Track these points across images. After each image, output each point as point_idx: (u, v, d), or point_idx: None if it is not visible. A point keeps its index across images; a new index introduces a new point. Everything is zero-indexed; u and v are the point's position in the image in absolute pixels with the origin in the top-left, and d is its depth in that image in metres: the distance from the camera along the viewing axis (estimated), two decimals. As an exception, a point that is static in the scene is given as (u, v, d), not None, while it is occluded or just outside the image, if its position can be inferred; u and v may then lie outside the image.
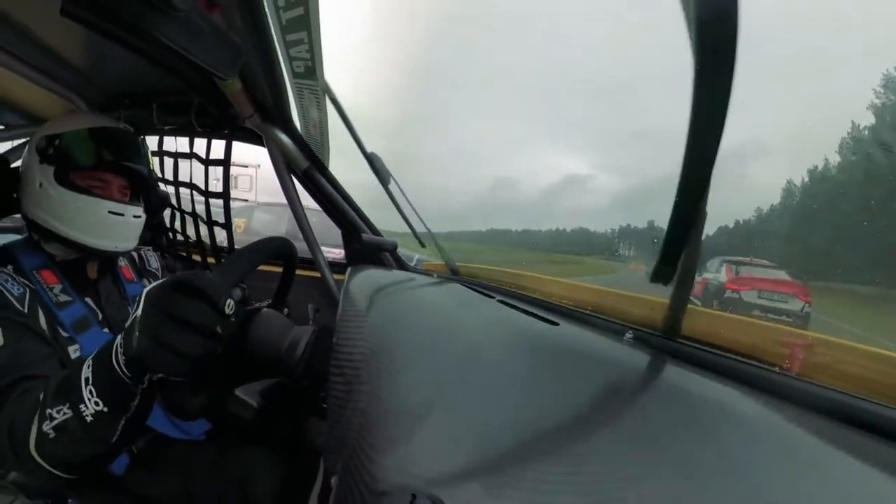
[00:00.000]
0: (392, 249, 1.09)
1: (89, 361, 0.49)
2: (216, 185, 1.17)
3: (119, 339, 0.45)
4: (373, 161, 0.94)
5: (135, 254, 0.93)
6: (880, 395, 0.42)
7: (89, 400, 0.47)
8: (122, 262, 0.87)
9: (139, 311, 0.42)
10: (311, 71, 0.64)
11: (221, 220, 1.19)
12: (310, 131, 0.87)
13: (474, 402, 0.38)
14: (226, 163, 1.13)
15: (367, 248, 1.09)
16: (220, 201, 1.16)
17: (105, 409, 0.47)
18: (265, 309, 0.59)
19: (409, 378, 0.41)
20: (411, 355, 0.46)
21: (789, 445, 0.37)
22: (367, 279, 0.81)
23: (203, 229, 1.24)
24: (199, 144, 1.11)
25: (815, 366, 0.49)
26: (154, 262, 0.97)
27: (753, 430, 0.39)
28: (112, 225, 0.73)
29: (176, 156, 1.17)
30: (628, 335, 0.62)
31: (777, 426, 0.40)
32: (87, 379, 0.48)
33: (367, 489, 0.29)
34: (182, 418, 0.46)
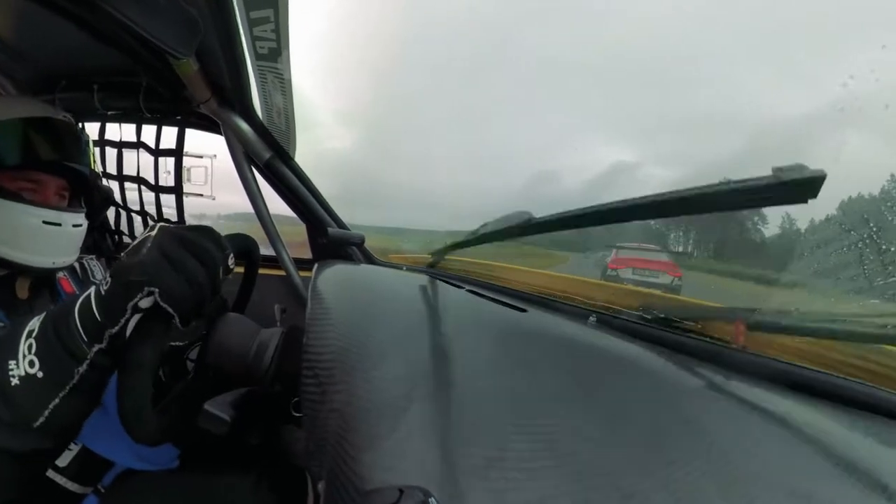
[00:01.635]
0: (360, 243, 1.07)
1: (43, 315, 0.42)
2: (167, 179, 1.10)
3: (113, 267, 0.41)
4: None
5: (76, 264, 0.81)
6: (818, 364, 0.48)
7: (24, 357, 0.39)
8: (62, 274, 0.77)
9: (153, 233, 0.40)
10: (275, 53, 0.62)
11: (174, 218, 1.11)
12: (273, 119, 0.84)
13: (451, 390, 0.39)
14: (178, 153, 1.07)
15: (333, 243, 1.07)
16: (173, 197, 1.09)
17: (39, 374, 0.39)
18: (228, 313, 0.56)
19: (384, 373, 0.41)
20: (385, 350, 0.46)
21: (737, 408, 0.41)
22: (335, 275, 0.79)
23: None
24: (148, 132, 1.04)
25: (758, 340, 0.55)
26: (98, 272, 0.85)
27: (706, 397, 0.43)
28: (47, 237, 0.63)
29: (121, 145, 1.08)
30: (592, 318, 0.65)
31: (725, 392, 0.44)
32: (30, 331, 0.40)
33: (354, 490, 0.29)
34: (145, 442, 0.42)
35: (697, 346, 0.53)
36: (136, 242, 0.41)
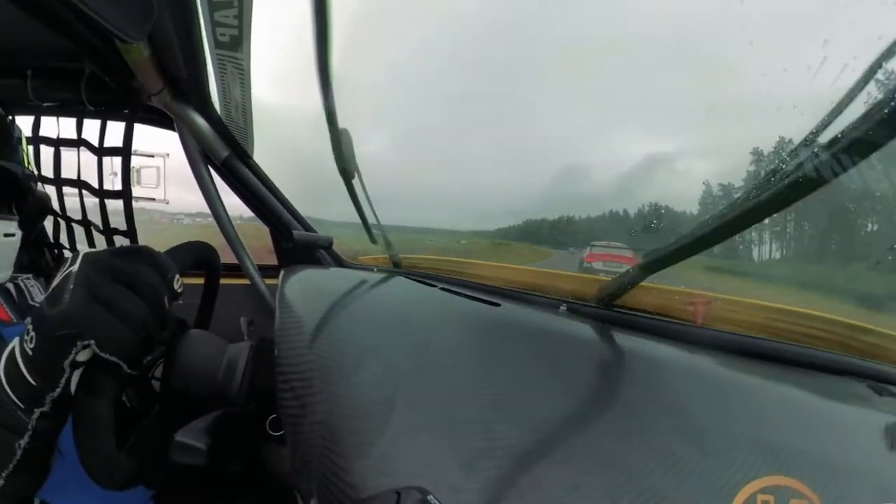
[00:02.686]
0: (328, 246, 1.04)
1: None
2: (113, 182, 1.01)
3: (29, 319, 0.35)
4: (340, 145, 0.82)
5: (10, 285, 0.71)
6: (765, 333, 0.52)
7: None
8: None
9: (75, 267, 0.34)
10: (237, 41, 0.59)
11: (123, 227, 1.02)
12: (231, 113, 0.80)
13: (433, 388, 0.39)
14: (126, 151, 0.99)
15: (299, 247, 1.03)
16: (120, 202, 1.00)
17: None
18: (190, 330, 0.52)
19: (364, 378, 0.41)
20: (362, 354, 0.45)
21: (701, 377, 0.44)
22: (303, 280, 0.76)
23: (100, 241, 1.04)
24: (91, 128, 0.95)
25: (714, 317, 0.59)
26: (38, 293, 0.76)
27: (673, 370, 0.45)
28: None
29: (58, 143, 0.99)
30: (562, 308, 0.67)
31: (689, 364, 0.47)
32: None
33: (349, 500, 0.29)
34: (116, 489, 0.37)
35: (661, 327, 0.56)
36: (55, 283, 0.35)
